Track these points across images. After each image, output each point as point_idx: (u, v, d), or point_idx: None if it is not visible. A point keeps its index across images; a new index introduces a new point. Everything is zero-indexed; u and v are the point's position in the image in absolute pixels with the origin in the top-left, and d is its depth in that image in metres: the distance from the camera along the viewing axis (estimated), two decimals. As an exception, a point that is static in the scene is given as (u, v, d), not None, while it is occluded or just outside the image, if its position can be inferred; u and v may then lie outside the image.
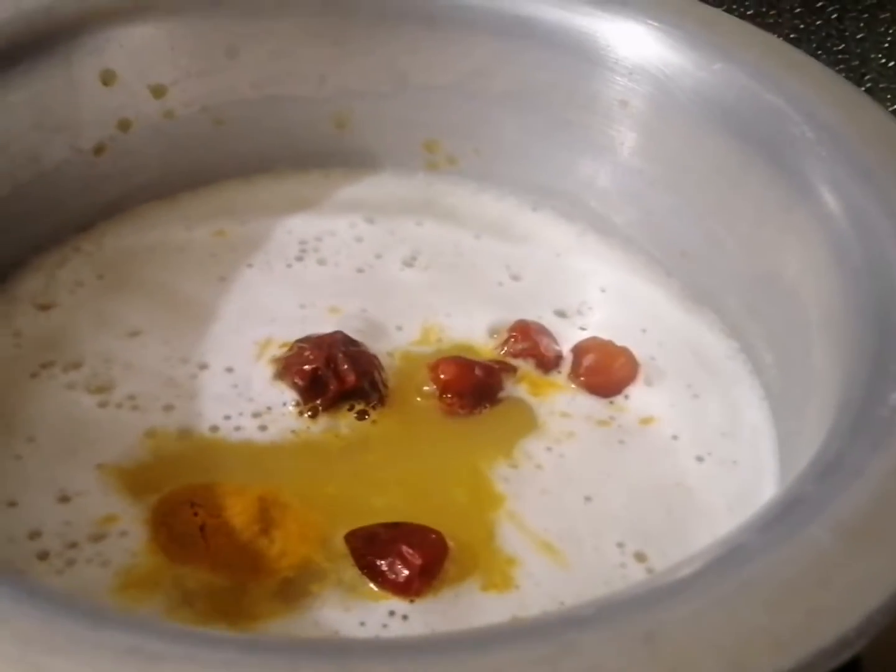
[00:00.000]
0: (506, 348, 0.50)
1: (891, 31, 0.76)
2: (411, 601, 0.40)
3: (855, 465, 0.33)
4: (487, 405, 0.48)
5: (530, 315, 0.52)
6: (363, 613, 0.40)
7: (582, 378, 0.50)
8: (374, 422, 0.47)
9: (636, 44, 0.53)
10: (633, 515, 0.44)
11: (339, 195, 0.59)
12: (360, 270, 0.55)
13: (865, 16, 0.76)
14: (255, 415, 0.47)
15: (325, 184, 0.59)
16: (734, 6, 0.76)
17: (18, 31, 0.50)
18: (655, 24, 0.53)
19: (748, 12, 0.76)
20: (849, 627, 0.28)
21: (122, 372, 0.48)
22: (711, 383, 0.50)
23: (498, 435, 0.47)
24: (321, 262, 0.55)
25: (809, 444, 0.37)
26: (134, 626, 0.28)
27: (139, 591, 0.40)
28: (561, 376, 0.50)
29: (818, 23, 0.77)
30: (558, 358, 0.50)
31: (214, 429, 0.46)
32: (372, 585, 0.40)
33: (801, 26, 0.77)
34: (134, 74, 0.54)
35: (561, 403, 0.49)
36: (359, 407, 0.47)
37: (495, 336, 0.51)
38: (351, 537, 0.41)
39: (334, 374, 0.47)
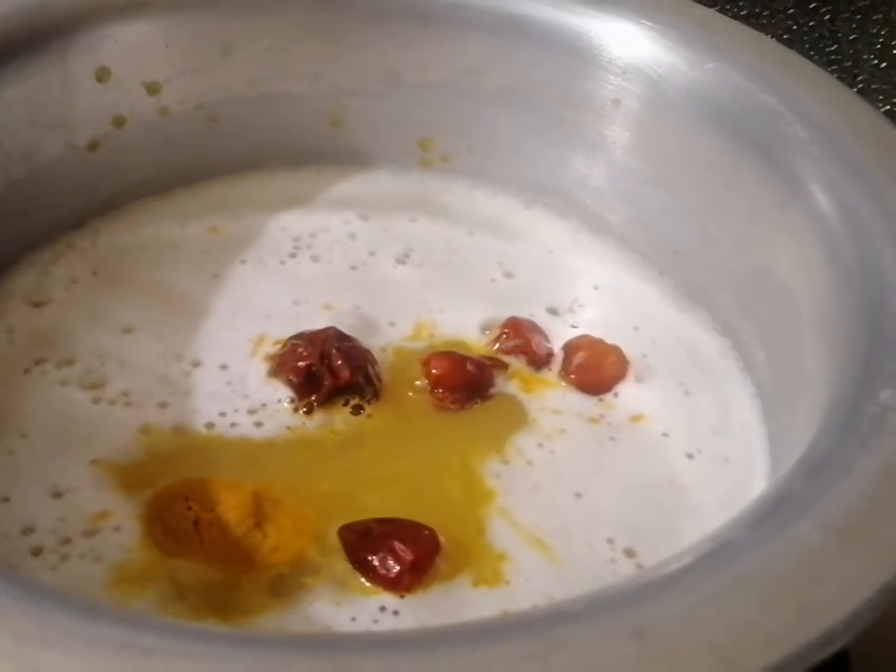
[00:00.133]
0: (498, 345, 0.51)
1: (883, 33, 0.76)
2: (401, 596, 0.40)
3: (844, 462, 0.33)
4: (478, 401, 0.48)
5: (523, 312, 0.52)
6: (354, 608, 0.40)
7: (572, 376, 0.50)
8: (369, 416, 0.47)
9: (629, 43, 0.53)
10: (623, 512, 0.44)
11: (332, 192, 0.59)
12: (353, 267, 0.55)
13: (858, 17, 0.76)
14: (251, 411, 0.47)
15: (319, 181, 0.59)
16: (728, 6, 0.77)
17: (13, 27, 0.50)
18: (649, 23, 0.53)
19: (742, 13, 0.76)
20: (837, 622, 0.29)
21: (115, 368, 0.48)
22: (703, 381, 0.50)
23: (489, 431, 0.47)
24: (315, 258, 0.55)
25: (800, 441, 0.37)
26: (127, 621, 0.29)
27: (133, 587, 0.40)
28: (552, 373, 0.50)
29: (811, 24, 0.77)
30: (549, 355, 0.51)
31: (210, 425, 0.46)
32: (363, 580, 0.41)
33: (794, 27, 0.78)
34: (129, 71, 0.54)
35: (552, 400, 0.49)
36: (354, 402, 0.47)
37: (487, 333, 0.51)
38: (344, 531, 0.42)
39: (328, 370, 0.47)
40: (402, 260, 0.56)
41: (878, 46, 0.77)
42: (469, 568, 0.42)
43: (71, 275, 0.52)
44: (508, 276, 0.55)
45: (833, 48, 0.78)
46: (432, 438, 0.47)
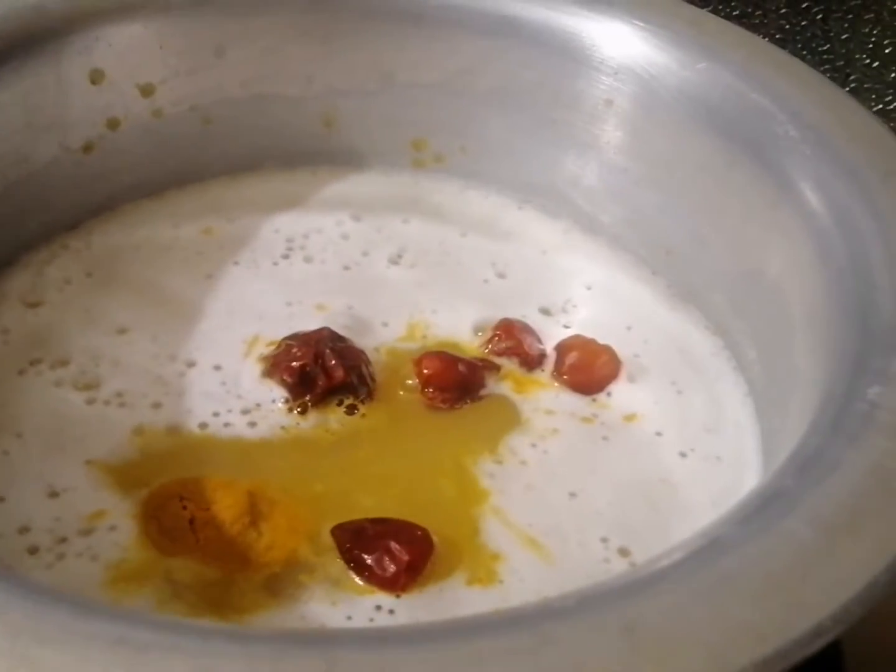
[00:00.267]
0: (490, 346, 0.51)
1: (875, 32, 0.77)
2: (397, 596, 0.40)
3: (833, 458, 0.34)
4: (468, 401, 0.48)
5: (515, 313, 0.53)
6: (349, 607, 0.40)
7: (565, 376, 0.50)
8: (363, 416, 0.47)
9: (621, 43, 0.54)
10: (617, 511, 0.44)
11: (326, 193, 0.59)
12: (346, 268, 0.55)
13: (850, 17, 0.77)
14: (245, 411, 0.47)
15: (313, 182, 0.60)
16: (720, 7, 0.77)
17: (7, 30, 0.50)
18: (641, 24, 0.53)
19: (734, 13, 0.77)
20: (825, 617, 0.29)
21: (109, 369, 0.48)
22: (696, 380, 0.51)
23: (483, 431, 0.47)
24: (308, 259, 0.55)
25: (792, 439, 0.37)
26: (122, 617, 0.29)
27: (129, 585, 0.40)
28: (544, 374, 0.50)
29: (803, 23, 0.78)
30: (542, 356, 0.51)
31: (203, 426, 0.46)
32: (358, 580, 0.41)
33: (787, 27, 0.78)
34: (123, 73, 0.54)
35: (545, 401, 0.49)
36: (348, 402, 0.47)
37: (480, 334, 0.52)
38: (338, 531, 0.42)
39: (322, 370, 0.47)
40: (395, 260, 0.56)
41: (870, 46, 0.77)
42: (463, 567, 0.42)
43: (65, 276, 0.53)
44: (501, 276, 0.55)
45: (825, 48, 0.78)
46: (426, 439, 0.47)
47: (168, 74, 0.55)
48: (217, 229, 0.56)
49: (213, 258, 0.55)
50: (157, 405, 0.47)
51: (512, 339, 0.51)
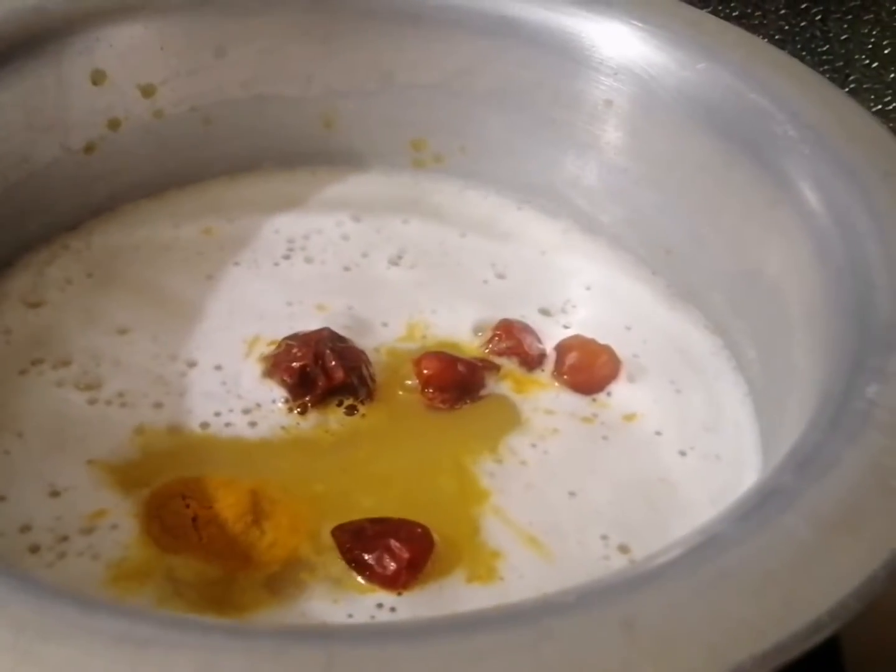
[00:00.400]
0: (490, 346, 0.51)
1: (874, 33, 0.77)
2: (399, 594, 0.40)
3: (831, 456, 0.34)
4: (468, 401, 0.48)
5: (515, 313, 0.53)
6: (351, 606, 0.40)
7: (565, 376, 0.50)
8: (363, 416, 0.47)
9: (621, 44, 0.54)
10: (616, 509, 0.45)
11: (326, 194, 0.59)
12: (346, 268, 0.55)
13: (849, 17, 0.77)
14: (245, 411, 0.47)
15: (313, 182, 0.60)
16: (720, 7, 0.77)
17: (8, 31, 0.50)
18: (640, 24, 0.53)
19: (734, 14, 0.77)
20: (823, 613, 0.29)
21: (110, 369, 0.48)
22: (695, 379, 0.51)
23: (483, 431, 0.47)
24: (308, 260, 0.55)
25: (791, 437, 0.37)
26: (124, 613, 0.29)
27: (130, 583, 0.40)
28: (544, 374, 0.50)
29: (803, 24, 0.78)
30: (542, 356, 0.51)
31: (205, 425, 0.46)
32: (359, 579, 0.41)
33: (786, 27, 0.78)
34: (123, 74, 0.54)
35: (545, 401, 0.49)
36: (348, 402, 0.48)
37: (480, 334, 0.52)
38: (338, 531, 0.42)
39: (322, 371, 0.47)
40: (394, 261, 0.56)
41: (870, 46, 0.77)
42: (463, 565, 0.42)
43: (66, 276, 0.53)
44: (501, 276, 0.56)
45: (825, 48, 0.78)
46: (427, 439, 0.47)
47: (169, 75, 0.55)
48: (217, 229, 0.56)
49: (214, 258, 0.55)
50: (158, 405, 0.47)
51: (512, 339, 0.51)
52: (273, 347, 0.50)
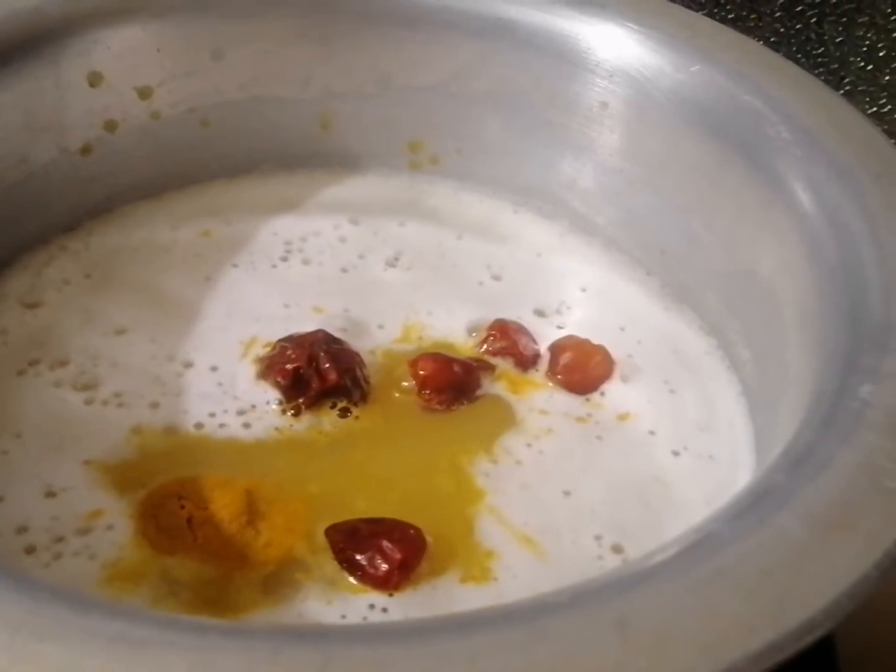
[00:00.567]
0: (485, 346, 0.51)
1: (869, 35, 0.77)
2: (391, 594, 0.40)
3: (824, 455, 0.34)
4: (464, 402, 0.49)
5: (510, 314, 0.53)
6: (344, 606, 0.40)
7: (559, 376, 0.50)
8: (356, 418, 0.47)
9: (616, 46, 0.54)
10: (610, 509, 0.45)
11: (323, 196, 0.60)
12: (343, 270, 0.55)
13: (844, 20, 0.77)
14: (240, 412, 0.47)
15: (310, 184, 0.60)
16: (715, 10, 0.77)
17: (6, 32, 0.50)
18: (635, 26, 0.53)
19: (729, 16, 0.77)
20: (816, 612, 0.29)
21: (108, 370, 0.49)
22: (689, 379, 0.51)
23: (478, 431, 0.47)
24: (305, 262, 0.55)
25: (784, 437, 0.37)
26: (120, 614, 0.29)
27: (126, 584, 0.40)
28: (539, 374, 0.50)
29: (798, 27, 0.78)
30: (536, 356, 0.51)
31: (199, 426, 0.46)
32: (351, 579, 0.41)
33: (781, 30, 0.78)
34: (121, 76, 0.54)
35: (539, 401, 0.49)
36: (341, 404, 0.48)
37: (475, 335, 0.52)
38: (331, 531, 0.42)
39: (316, 373, 0.47)
40: (391, 263, 0.56)
41: (865, 49, 0.77)
42: (457, 565, 0.42)
43: (64, 277, 0.53)
44: (496, 278, 0.56)
45: (820, 51, 0.78)
46: (421, 439, 0.47)
47: (166, 77, 0.55)
48: (215, 231, 0.57)
49: (212, 260, 0.55)
50: (154, 405, 0.47)
51: (507, 339, 0.51)
52: (269, 349, 0.50)
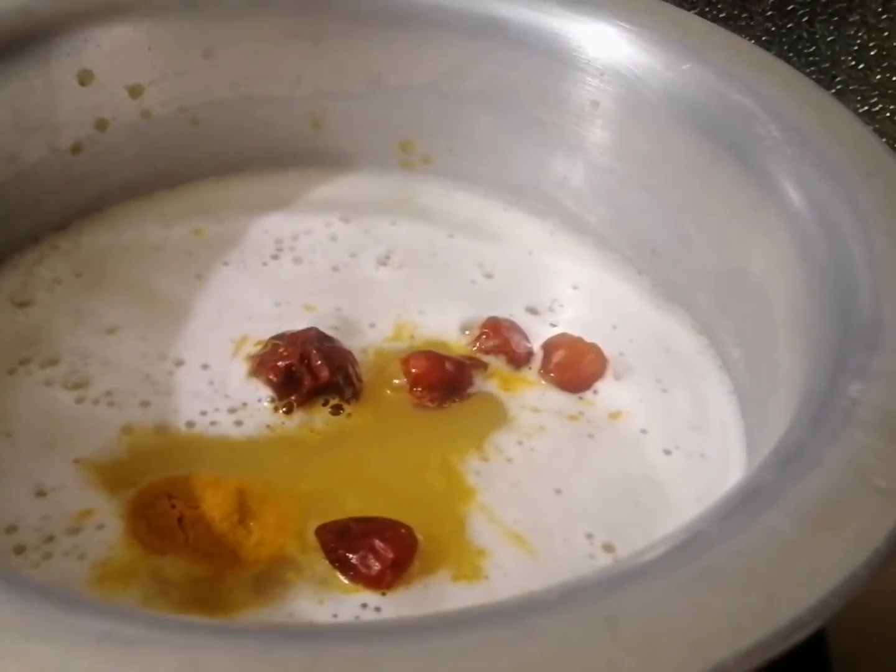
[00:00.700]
0: (478, 345, 0.51)
1: (860, 35, 0.77)
2: (383, 594, 0.40)
3: (814, 454, 0.34)
4: (456, 399, 0.49)
5: (503, 312, 0.53)
6: (336, 606, 0.40)
7: (552, 374, 0.50)
8: (349, 416, 0.47)
9: (607, 45, 0.54)
10: (602, 508, 0.45)
11: (314, 194, 0.60)
12: (335, 269, 0.55)
13: (835, 19, 0.77)
14: (231, 410, 0.47)
15: (301, 183, 0.60)
16: (706, 9, 0.77)
17: (-4, 31, 0.50)
18: (626, 25, 0.53)
19: (720, 15, 0.77)
20: (805, 610, 0.29)
21: (99, 368, 0.48)
22: (681, 378, 0.51)
23: (469, 429, 0.47)
24: (297, 260, 0.55)
25: (775, 435, 0.37)
26: (109, 613, 0.29)
27: (116, 583, 0.40)
28: (531, 372, 0.50)
29: (789, 26, 0.78)
30: (529, 354, 0.51)
31: (191, 424, 0.46)
32: (343, 579, 0.41)
33: (773, 29, 0.78)
34: (111, 75, 0.54)
35: (531, 399, 0.49)
36: (333, 402, 0.48)
37: (467, 333, 0.52)
38: (322, 531, 0.42)
39: (308, 370, 0.47)
40: (383, 261, 0.56)
41: (856, 48, 0.78)
42: (449, 564, 0.42)
43: (55, 276, 0.53)
44: (488, 276, 0.56)
45: (811, 50, 0.78)
46: (413, 437, 0.47)
47: (157, 76, 0.55)
48: (206, 230, 0.57)
49: (203, 258, 0.55)
50: (145, 404, 0.47)
51: (499, 337, 0.51)
52: (260, 347, 0.50)
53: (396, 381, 0.48)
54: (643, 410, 0.49)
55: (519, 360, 0.51)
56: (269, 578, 0.41)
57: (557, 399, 0.49)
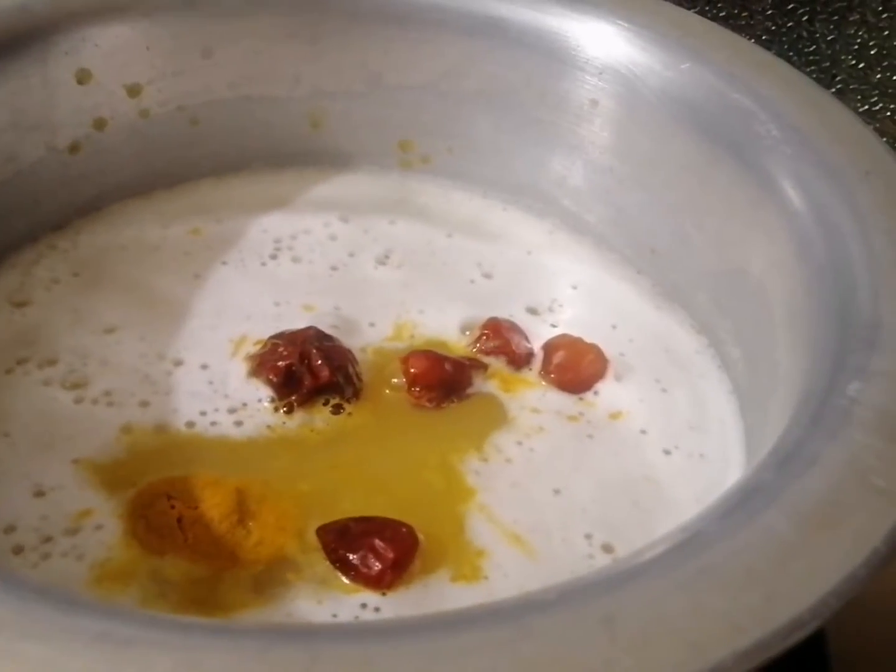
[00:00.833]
0: (478, 346, 0.51)
1: (860, 34, 0.77)
2: (383, 594, 0.40)
3: (812, 453, 0.34)
4: (455, 400, 0.48)
5: (502, 312, 0.53)
6: (335, 605, 0.40)
7: (552, 375, 0.50)
8: (349, 415, 0.47)
9: (606, 44, 0.54)
10: (601, 508, 0.45)
11: (313, 194, 0.60)
12: (333, 268, 0.55)
13: (835, 18, 0.77)
14: (231, 411, 0.47)
15: (300, 183, 0.60)
16: (706, 8, 0.77)
17: (-6, 30, 0.50)
18: (625, 24, 0.53)
19: (720, 14, 0.77)
20: (803, 610, 0.29)
21: (97, 368, 0.48)
22: (680, 378, 0.51)
23: (469, 429, 0.47)
24: (295, 260, 0.55)
25: (774, 435, 0.37)
26: (105, 613, 0.29)
27: (114, 584, 0.40)
28: (532, 373, 0.50)
29: (789, 25, 0.78)
30: (529, 355, 0.51)
31: (190, 424, 0.46)
32: (344, 579, 0.41)
33: (773, 28, 0.78)
34: (109, 74, 0.54)
35: (531, 399, 0.49)
36: (334, 401, 0.48)
37: (467, 333, 0.52)
38: (322, 531, 0.42)
39: (308, 370, 0.47)
40: (382, 261, 0.56)
41: (856, 47, 0.78)
42: (448, 564, 0.42)
43: (53, 275, 0.53)
44: (487, 276, 0.56)
45: (811, 49, 0.78)
46: (413, 437, 0.47)
47: (155, 75, 0.55)
48: (205, 229, 0.57)
49: (201, 258, 0.55)
50: (144, 404, 0.47)
51: (499, 338, 0.51)
52: (259, 347, 0.49)
53: (395, 381, 0.48)
54: (643, 410, 0.49)
55: (519, 361, 0.51)
56: (269, 579, 0.41)
57: (557, 400, 0.49)
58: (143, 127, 0.56)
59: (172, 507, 0.43)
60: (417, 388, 0.48)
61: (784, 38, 0.78)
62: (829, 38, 0.78)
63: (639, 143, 0.54)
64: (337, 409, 0.47)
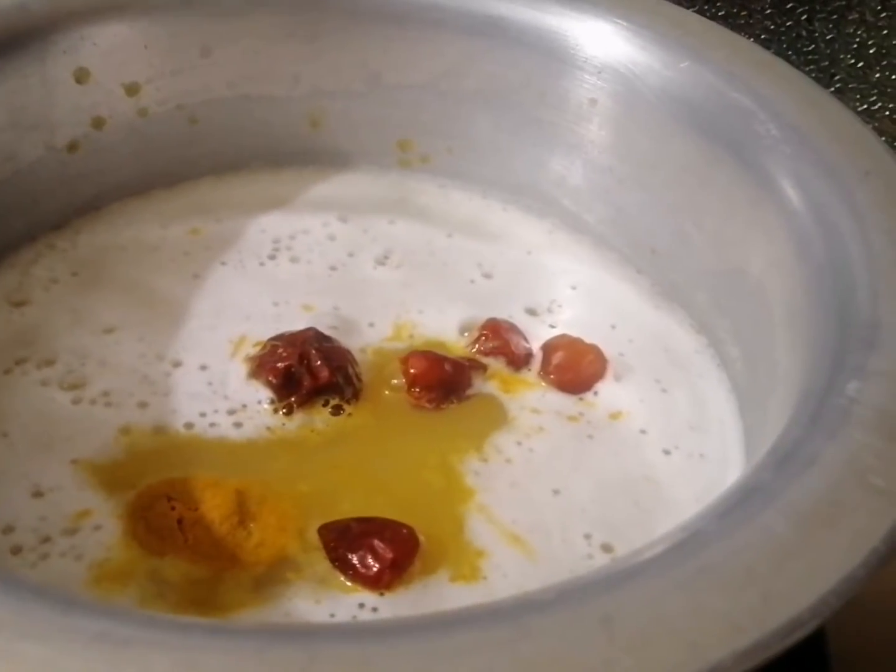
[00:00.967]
0: (477, 346, 0.51)
1: (859, 33, 0.77)
2: (381, 594, 0.40)
3: (811, 453, 0.34)
4: (454, 401, 0.48)
5: (501, 313, 0.53)
6: (333, 605, 0.40)
7: (552, 376, 0.50)
8: (349, 415, 0.47)
9: (605, 43, 0.54)
10: (600, 508, 0.45)
11: (312, 194, 0.59)
12: (332, 268, 0.55)
13: (834, 17, 0.77)
14: (230, 412, 0.47)
15: (299, 182, 0.60)
16: (705, 7, 0.77)
17: (-8, 29, 0.50)
18: (624, 23, 0.53)
19: (719, 13, 0.77)
20: (802, 609, 0.29)
21: (96, 369, 0.48)
22: (680, 378, 0.51)
23: (469, 430, 0.47)
24: (294, 260, 0.55)
25: (773, 435, 0.37)
26: (104, 613, 0.29)
27: (113, 584, 0.40)
28: (531, 374, 0.50)
29: (788, 24, 0.78)
30: (528, 356, 0.51)
31: (189, 426, 0.46)
32: (343, 578, 0.41)
33: (772, 27, 0.78)
34: (108, 73, 0.54)
35: (531, 400, 0.49)
36: (333, 402, 0.47)
37: (466, 334, 0.52)
38: (324, 530, 0.42)
39: (308, 371, 0.47)
40: (381, 261, 0.56)
41: (855, 46, 0.78)
42: (447, 564, 0.42)
43: (51, 275, 0.53)
44: (487, 276, 0.56)
45: (810, 48, 0.78)
46: (413, 438, 0.47)
47: (154, 74, 0.55)
48: (204, 229, 0.56)
49: (200, 258, 0.55)
50: (143, 405, 0.47)
51: (499, 338, 0.51)
52: (259, 348, 0.49)
53: (395, 381, 0.48)
54: (643, 411, 0.49)
55: (518, 361, 0.51)
56: (269, 579, 0.41)
57: (557, 400, 0.49)
58: (142, 126, 0.56)
59: (173, 508, 0.43)
60: (417, 389, 0.48)
61: (783, 38, 0.78)
62: (828, 37, 0.78)
63: (638, 142, 0.54)
64: (336, 410, 0.47)
